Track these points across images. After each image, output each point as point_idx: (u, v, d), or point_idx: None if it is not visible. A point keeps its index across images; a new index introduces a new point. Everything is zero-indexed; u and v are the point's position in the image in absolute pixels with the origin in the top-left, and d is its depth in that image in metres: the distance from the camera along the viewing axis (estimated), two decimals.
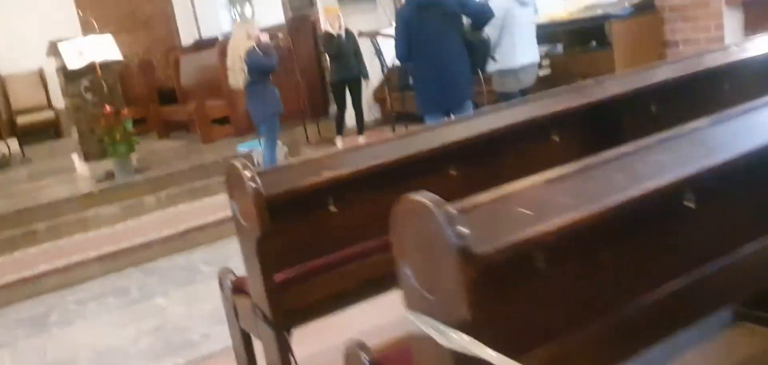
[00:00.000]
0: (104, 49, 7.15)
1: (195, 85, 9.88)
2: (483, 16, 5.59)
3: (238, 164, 2.52)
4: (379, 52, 6.38)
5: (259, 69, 6.17)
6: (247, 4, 11.87)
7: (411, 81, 5.70)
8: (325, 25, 8.15)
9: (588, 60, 6.51)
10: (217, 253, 5.51)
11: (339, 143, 8.37)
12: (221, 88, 8.92)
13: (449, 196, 1.55)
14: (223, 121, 9.09)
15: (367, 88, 8.70)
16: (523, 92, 6.20)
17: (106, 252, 5.44)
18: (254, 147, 7.36)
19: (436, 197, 1.49)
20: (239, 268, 2.81)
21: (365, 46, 8.08)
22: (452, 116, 5.79)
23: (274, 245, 2.45)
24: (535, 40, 6.13)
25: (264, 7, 10.67)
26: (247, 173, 2.44)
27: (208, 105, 8.79)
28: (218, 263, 5.34)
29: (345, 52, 7.98)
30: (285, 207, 2.46)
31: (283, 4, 10.00)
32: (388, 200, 1.66)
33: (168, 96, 11.27)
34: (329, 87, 8.73)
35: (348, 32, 8.09)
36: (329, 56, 8.09)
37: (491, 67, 6.01)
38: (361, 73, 8.25)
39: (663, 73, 3.13)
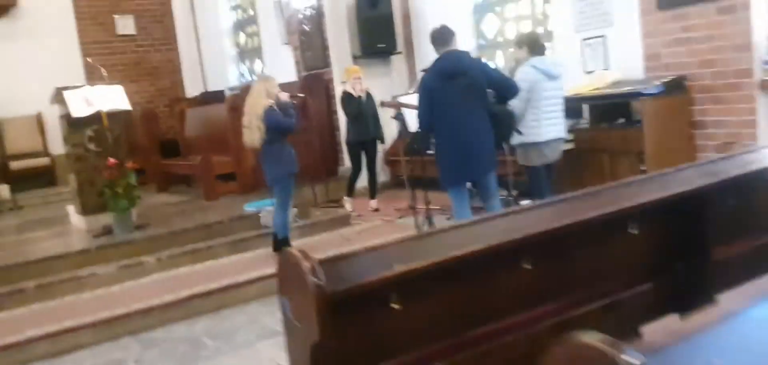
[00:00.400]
0: (112, 98, 6.84)
1: (200, 138, 9.59)
2: (508, 90, 5.37)
3: (296, 253, 2.15)
4: (401, 120, 6.09)
5: (277, 129, 5.87)
6: (258, 59, 11.66)
7: (433, 151, 5.38)
8: (346, 86, 7.91)
9: (616, 137, 6.24)
10: (221, 325, 5.12)
11: (348, 205, 8.06)
12: (228, 144, 8.63)
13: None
14: (227, 177, 8.76)
15: (381, 151, 8.42)
16: (548, 167, 5.94)
17: (100, 318, 5.02)
18: (263, 207, 7.01)
19: None
20: (244, 343, 2.40)
21: (384, 111, 7.84)
22: (474, 188, 5.54)
23: (330, 350, 2.07)
24: (562, 115, 5.88)
25: (275, 64, 10.45)
26: (307, 265, 2.07)
27: (214, 160, 8.45)
28: (223, 337, 4.98)
29: (364, 114, 7.76)
30: (345, 305, 2.08)
31: (296, 62, 9.79)
32: (458, 296, 1.70)
33: (170, 148, 10.98)
34: (345, 148, 8.43)
35: (368, 95, 7.86)
36: (348, 117, 7.83)
37: (515, 140, 5.75)
38: (378, 136, 8.00)
39: (744, 163, 2.82)
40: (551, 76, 5.76)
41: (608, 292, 2.66)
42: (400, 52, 9.45)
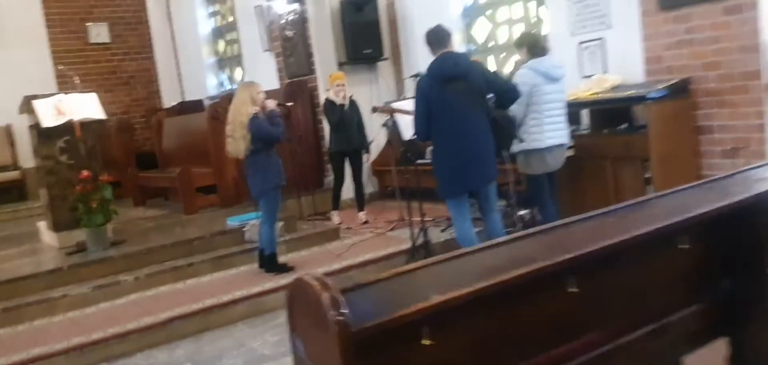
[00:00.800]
0: (86, 107, 6.42)
1: (178, 149, 9.19)
2: (508, 95, 5.08)
3: (313, 282, 1.74)
4: (394, 127, 5.76)
5: (263, 138, 5.51)
6: (239, 67, 11.27)
7: (428, 160, 5.06)
8: (328, 93, 7.57)
9: (619, 143, 5.97)
10: (204, 350, 4.74)
11: (335, 217, 7.70)
12: (208, 154, 8.24)
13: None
14: (208, 189, 8.36)
15: (366, 161, 8.08)
16: (551, 176, 5.65)
17: (74, 344, 4.61)
18: (247, 221, 6.63)
19: None
20: None
21: (372, 118, 7.50)
22: (473, 200, 5.22)
23: None
24: (565, 120, 5.60)
25: (256, 71, 10.06)
26: (328, 296, 1.67)
27: (193, 172, 8.05)
28: (207, 363, 4.60)
29: (347, 123, 7.44)
30: (370, 344, 1.70)
31: (279, 69, 9.42)
32: (495, 327, 1.47)
33: (147, 160, 10.56)
34: (327, 158, 8.10)
35: (352, 102, 7.53)
36: (330, 126, 7.48)
37: (516, 146, 5.46)
38: (363, 145, 7.67)
39: None
40: (552, 79, 5.48)
41: (654, 316, 2.34)
42: (386, 59, 9.13)
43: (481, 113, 4.86)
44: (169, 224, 7.50)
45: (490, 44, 8.33)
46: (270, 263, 5.76)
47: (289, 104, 6.75)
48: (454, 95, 4.77)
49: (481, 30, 8.45)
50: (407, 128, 5.73)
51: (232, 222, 6.79)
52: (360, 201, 7.92)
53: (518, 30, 7.97)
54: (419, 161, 8.45)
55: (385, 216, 7.83)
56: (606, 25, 6.71)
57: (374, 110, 5.42)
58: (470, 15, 8.52)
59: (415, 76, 7.36)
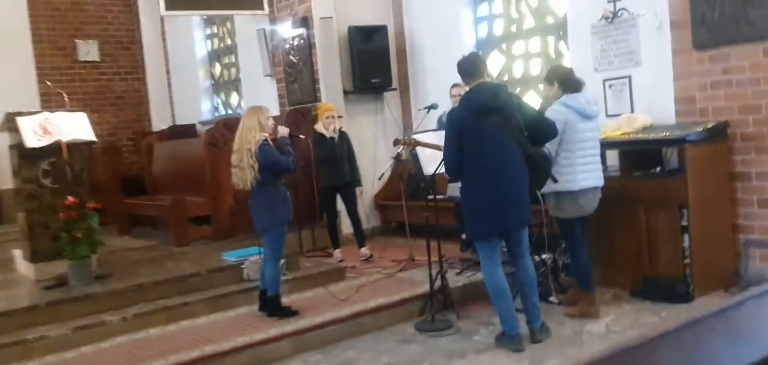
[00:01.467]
0: (75, 127, 5.90)
1: (170, 176, 8.70)
2: (547, 132, 4.68)
3: None
4: (416, 162, 5.31)
5: (272, 168, 5.03)
6: (235, 92, 10.82)
7: (455, 196, 4.60)
8: (317, 125, 7.11)
9: (653, 187, 5.55)
10: None
11: (338, 255, 7.20)
12: (203, 183, 7.75)
13: None
14: (201, 220, 7.83)
15: (362, 195, 7.61)
16: (583, 219, 5.21)
17: None
18: (245, 257, 6.12)
19: None
20: None
21: (377, 151, 7.05)
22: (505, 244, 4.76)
23: None
24: (599, 161, 5.18)
25: (255, 97, 9.59)
26: None
27: (187, 201, 7.53)
28: None
29: (337, 157, 6.99)
30: None
31: (280, 95, 8.97)
32: None
33: (134, 185, 10.03)
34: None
35: (342, 134, 7.10)
36: (319, 160, 7.01)
37: (547, 187, 5.01)
38: (355, 179, 7.22)
39: None
40: (586, 116, 5.07)
41: None
42: (394, 89, 8.72)
43: (517, 149, 4.43)
44: (159, 256, 6.95)
45: (505, 78, 7.94)
46: (273, 306, 5.25)
47: (301, 136, 6.25)
48: (490, 128, 4.34)
49: (495, 63, 8.07)
50: (429, 162, 5.27)
51: (229, 258, 6.27)
52: (360, 237, 7.45)
53: (535, 65, 7.61)
54: (434, 197, 8.11)
55: (391, 254, 7.34)
56: (634, 62, 6.35)
57: (397, 142, 4.97)
58: (484, 47, 8.14)
59: (430, 107, 7.01)
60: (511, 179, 4.41)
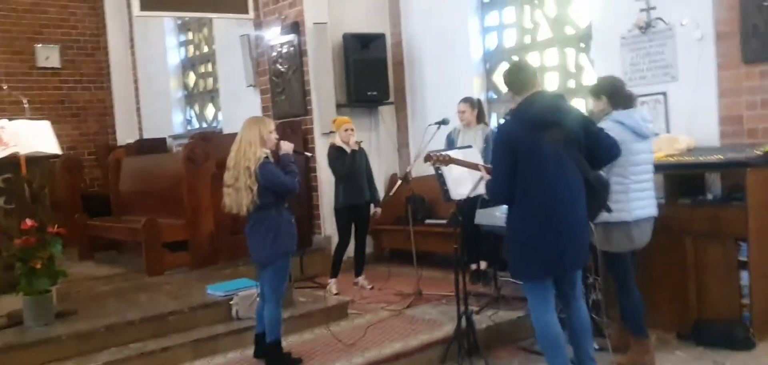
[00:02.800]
0: (36, 139, 5.01)
1: (139, 195, 7.81)
2: (609, 151, 4.00)
3: None
4: (442, 183, 4.56)
5: (276, 189, 4.25)
6: (211, 104, 9.95)
7: (507, 230, 3.84)
8: (334, 138, 6.42)
9: (704, 216, 4.89)
10: None
11: (333, 287, 6.43)
12: (179, 204, 6.88)
13: None
14: (176, 245, 6.94)
15: (375, 217, 6.88)
16: (634, 255, 4.52)
17: None
18: (233, 292, 5.29)
19: None
20: None
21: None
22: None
23: None
24: (653, 187, 4.50)
25: (235, 109, 8.78)
26: None
27: (161, 224, 6.65)
28: None
29: (357, 173, 6.32)
30: None
31: (264, 107, 8.15)
32: None
33: (97, 204, 9.08)
34: (325, 214, 6.87)
35: (361, 149, 6.43)
36: (337, 176, 6.34)
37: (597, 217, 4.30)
38: (374, 199, 6.58)
39: None
40: (641, 136, 4.40)
41: None
42: (391, 103, 7.98)
43: (577, 172, 3.72)
44: (130, 288, 6.06)
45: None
46: (272, 354, 4.42)
47: (308, 153, 5.45)
48: (549, 146, 3.63)
49: None
50: (458, 184, 4.52)
51: (215, 292, 5.41)
52: (360, 264, 6.70)
53: (551, 79, 6.96)
54: (429, 221, 7.40)
55: (393, 286, 6.58)
56: (670, 77, 5.76)
57: (428, 158, 4.19)
58: (493, 60, 7.49)
59: (441, 123, 6.28)
60: (573, 208, 3.69)
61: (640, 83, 5.88)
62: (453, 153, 4.19)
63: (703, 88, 5.51)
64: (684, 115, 5.63)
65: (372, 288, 6.57)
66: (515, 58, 7.23)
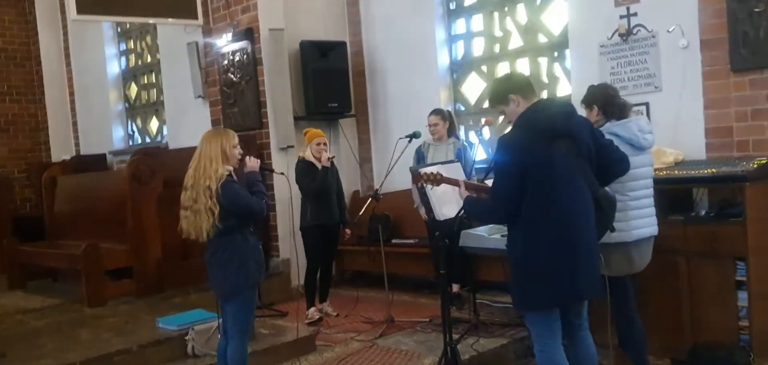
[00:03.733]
0: None
1: (77, 217, 7.15)
2: (619, 166, 3.64)
3: None
4: (425, 201, 4.12)
5: (240, 211, 3.73)
6: (154, 116, 9.29)
7: (511, 254, 3.41)
8: (305, 153, 5.92)
9: (699, 235, 4.58)
10: None
11: (314, 314, 5.94)
12: (122, 228, 6.25)
13: None
14: (119, 273, 6.30)
15: (345, 238, 6.37)
16: (633, 279, 4.18)
17: None
18: (187, 325, 4.73)
19: None
20: None
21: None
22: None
23: None
24: (653, 203, 4.17)
25: (181, 122, 8.18)
26: None
27: (103, 249, 6.01)
28: None
29: (329, 191, 5.84)
30: None
31: (214, 120, 7.58)
32: None
33: (28, 228, 8.32)
34: (290, 236, 6.30)
35: (333, 165, 5.95)
36: (306, 194, 5.80)
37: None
38: (343, 219, 6.08)
39: None
40: (639, 148, 4.06)
41: None
42: (352, 115, 7.53)
43: (588, 190, 3.33)
44: (69, 322, 5.42)
45: (485, 105, 6.92)
46: None
47: (281, 172, 4.89)
48: (561, 160, 3.23)
49: (472, 88, 7.04)
50: (442, 203, 4.09)
51: (167, 325, 4.83)
52: (325, 289, 6.19)
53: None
54: (395, 241, 6.95)
55: (360, 312, 6.11)
56: (653, 86, 5.50)
57: (418, 178, 3.70)
58: (460, 70, 7.12)
59: (411, 136, 5.85)
60: (587, 230, 3.31)
61: (622, 94, 5.53)
62: (443, 171, 3.74)
63: (689, 99, 5.26)
64: (668, 126, 5.36)
65: (337, 315, 6.08)
66: (484, 68, 6.91)
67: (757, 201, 4.51)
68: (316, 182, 5.68)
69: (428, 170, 3.78)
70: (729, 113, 5.07)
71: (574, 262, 3.25)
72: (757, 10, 4.80)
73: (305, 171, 5.74)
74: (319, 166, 5.75)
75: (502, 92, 3.50)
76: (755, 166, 4.56)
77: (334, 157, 6.03)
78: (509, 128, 3.52)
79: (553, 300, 3.33)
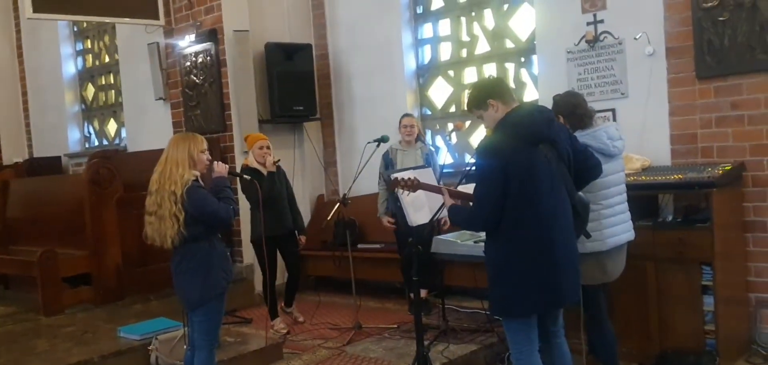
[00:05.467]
0: None
1: (32, 222, 6.87)
2: (592, 172, 3.66)
3: None
4: (393, 208, 4.06)
5: (206, 218, 3.61)
6: (112, 119, 9.03)
7: (492, 261, 3.36)
8: (248, 158, 5.66)
9: (671, 240, 4.62)
10: None
11: (281, 326, 5.76)
12: (81, 233, 6.05)
13: None
14: (77, 280, 6.09)
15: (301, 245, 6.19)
16: (605, 287, 4.18)
17: None
18: (154, 333, 4.58)
19: None
20: None
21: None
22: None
23: None
24: (627, 208, 4.17)
25: (141, 125, 7.97)
26: None
27: (60, 256, 5.79)
28: None
29: (278, 198, 5.55)
30: None
31: (175, 123, 7.40)
32: None
33: None
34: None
35: (279, 170, 5.70)
36: (254, 202, 5.38)
37: None
38: (298, 226, 5.83)
39: None
40: (609, 155, 4.06)
41: None
42: (318, 118, 7.43)
43: (566, 196, 3.32)
44: (25, 332, 5.20)
45: (452, 110, 6.90)
46: None
47: (246, 175, 4.74)
48: (543, 165, 3.22)
49: (439, 92, 7.02)
50: (415, 210, 4.03)
51: (129, 335, 4.67)
52: (291, 293, 6.04)
53: None
54: (361, 246, 6.86)
55: (326, 318, 6.02)
56: (620, 93, 5.54)
57: (395, 184, 3.58)
58: (426, 74, 7.09)
59: (380, 141, 5.79)
60: (568, 236, 3.32)
61: (588, 100, 5.53)
62: (420, 176, 3.67)
63: (655, 105, 5.32)
64: (634, 133, 5.37)
65: (304, 322, 5.96)
66: (451, 73, 6.89)
67: (724, 207, 4.59)
68: (263, 190, 5.06)
69: (405, 175, 3.70)
70: (694, 120, 5.13)
71: (556, 268, 3.24)
72: (721, 18, 4.88)
73: (250, 179, 5.44)
74: (264, 172, 5.49)
75: (480, 97, 3.45)
76: (721, 172, 4.64)
77: (279, 160, 5.70)
78: (484, 134, 3.49)
79: (535, 307, 3.30)
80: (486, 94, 3.39)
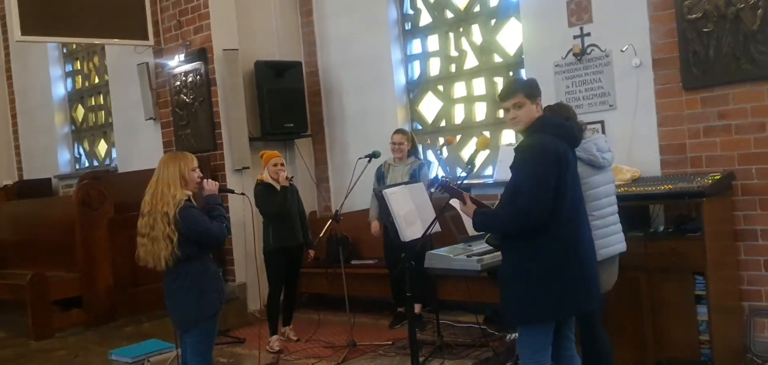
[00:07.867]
0: None
1: (22, 245, 6.84)
2: None
3: None
4: (389, 216, 4.05)
5: (200, 238, 3.60)
6: (103, 140, 9.01)
7: (518, 266, 3.32)
8: (264, 174, 5.76)
9: (663, 250, 4.63)
10: None
11: (275, 344, 5.73)
12: (71, 255, 6.02)
13: None
14: (68, 302, 6.05)
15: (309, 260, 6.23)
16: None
17: None
18: (145, 355, 4.55)
19: None
20: None
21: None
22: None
23: None
24: (618, 219, 4.18)
25: (131, 145, 7.95)
26: None
27: (50, 278, 5.76)
28: None
29: (290, 212, 5.68)
30: None
31: (166, 142, 7.38)
32: None
33: None
34: (245, 260, 6.18)
35: (292, 186, 5.82)
36: (267, 218, 5.66)
37: None
38: (306, 241, 5.92)
39: None
40: (597, 166, 4.07)
41: None
42: (309, 135, 7.44)
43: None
44: (14, 357, 5.18)
45: (442, 124, 6.93)
46: None
47: (241, 192, 4.78)
48: (575, 170, 3.34)
49: (429, 107, 7.04)
50: (408, 224, 4.03)
51: (120, 357, 4.64)
52: (289, 313, 6.04)
53: (479, 109, 6.66)
54: (355, 262, 6.84)
55: (320, 336, 5.99)
56: (608, 105, 5.58)
57: (444, 185, 3.44)
58: (416, 89, 7.12)
59: (371, 156, 5.81)
60: (589, 239, 3.42)
61: (577, 112, 5.59)
62: (412, 191, 3.67)
63: (643, 117, 5.35)
64: (623, 144, 5.43)
65: (298, 340, 5.94)
66: (440, 87, 6.91)
67: (714, 216, 4.62)
68: (276, 203, 5.55)
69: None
70: (682, 130, 5.17)
71: (584, 275, 3.30)
72: (705, 29, 4.93)
73: (265, 193, 5.62)
74: (278, 187, 5.64)
75: (534, 87, 3.45)
76: (710, 181, 4.67)
77: (292, 177, 5.90)
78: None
79: (552, 311, 3.28)
80: (538, 90, 3.41)
